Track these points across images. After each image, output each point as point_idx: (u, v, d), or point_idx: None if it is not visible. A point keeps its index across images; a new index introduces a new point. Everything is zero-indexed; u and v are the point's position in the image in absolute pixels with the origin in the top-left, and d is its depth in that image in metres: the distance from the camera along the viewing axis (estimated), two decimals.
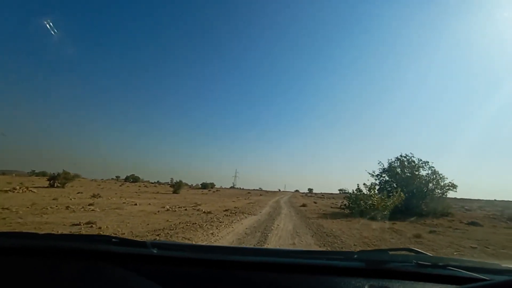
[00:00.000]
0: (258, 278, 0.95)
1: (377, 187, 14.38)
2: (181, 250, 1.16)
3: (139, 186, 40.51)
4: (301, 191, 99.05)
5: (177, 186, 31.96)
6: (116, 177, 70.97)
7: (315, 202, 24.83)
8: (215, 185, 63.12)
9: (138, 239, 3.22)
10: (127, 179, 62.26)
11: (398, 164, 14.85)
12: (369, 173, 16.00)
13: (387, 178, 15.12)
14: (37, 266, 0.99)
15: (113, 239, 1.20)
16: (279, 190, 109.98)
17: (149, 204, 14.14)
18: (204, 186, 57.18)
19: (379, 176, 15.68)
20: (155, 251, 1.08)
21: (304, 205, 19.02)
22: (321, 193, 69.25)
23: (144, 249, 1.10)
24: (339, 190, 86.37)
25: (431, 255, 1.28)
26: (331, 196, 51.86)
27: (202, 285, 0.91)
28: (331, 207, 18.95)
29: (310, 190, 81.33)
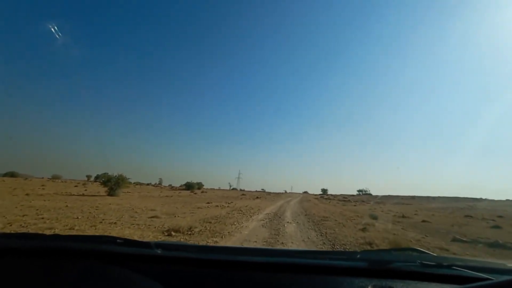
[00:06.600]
0: (262, 278, 0.94)
1: None
2: (186, 251, 1.16)
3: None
4: (310, 192, 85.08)
5: (112, 185, 18.98)
6: (86, 176, 60.64)
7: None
8: (203, 185, 50.87)
9: None
10: (97, 178, 52.66)
11: None
12: None
13: None
14: (44, 267, 0.99)
15: (118, 240, 1.19)
16: (285, 191, 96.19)
17: None
18: (189, 186, 45.46)
19: None
20: (159, 252, 1.08)
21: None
22: (341, 194, 54.86)
23: (149, 249, 1.10)
24: (358, 191, 72.46)
25: (435, 254, 1.24)
26: (358, 199, 37.78)
27: (206, 286, 0.91)
28: None
29: (324, 191, 66.95)
